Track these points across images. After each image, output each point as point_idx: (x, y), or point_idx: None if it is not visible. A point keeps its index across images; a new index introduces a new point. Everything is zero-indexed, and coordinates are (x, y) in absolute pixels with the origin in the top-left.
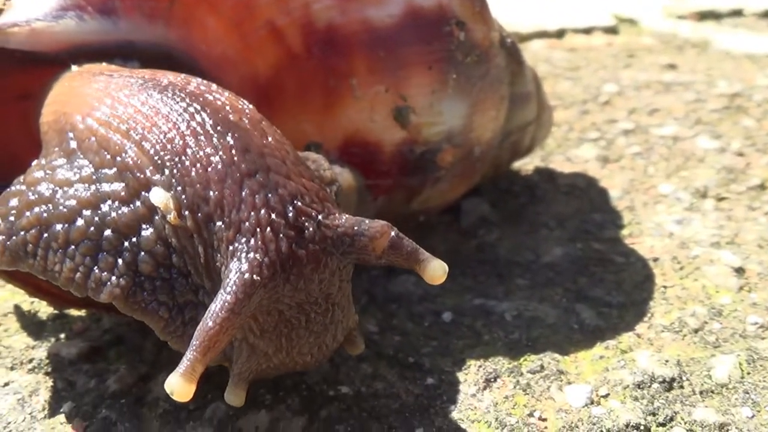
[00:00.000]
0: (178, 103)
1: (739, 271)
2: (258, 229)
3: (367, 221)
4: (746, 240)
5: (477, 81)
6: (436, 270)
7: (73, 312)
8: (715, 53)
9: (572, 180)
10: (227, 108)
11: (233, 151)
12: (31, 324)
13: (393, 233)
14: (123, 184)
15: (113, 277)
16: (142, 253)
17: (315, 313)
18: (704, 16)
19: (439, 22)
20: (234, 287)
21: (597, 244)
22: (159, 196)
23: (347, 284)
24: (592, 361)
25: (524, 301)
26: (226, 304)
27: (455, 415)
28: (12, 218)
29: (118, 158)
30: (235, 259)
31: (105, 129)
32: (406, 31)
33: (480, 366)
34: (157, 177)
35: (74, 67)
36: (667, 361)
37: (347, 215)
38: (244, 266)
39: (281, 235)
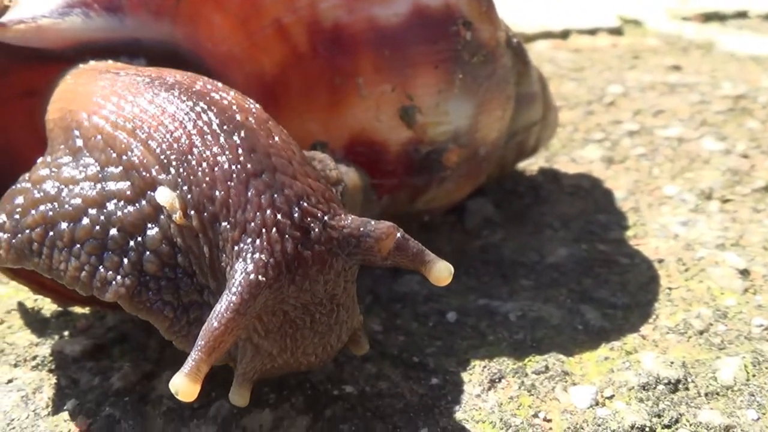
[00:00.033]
0: (184, 102)
1: (744, 273)
2: (264, 230)
3: (372, 222)
4: (751, 242)
5: (483, 81)
6: (441, 271)
7: (77, 309)
8: (720, 55)
9: (577, 181)
10: (234, 107)
11: (239, 151)
12: (34, 321)
13: (399, 234)
14: (129, 183)
15: (118, 277)
16: (148, 253)
17: (320, 314)
18: (709, 17)
19: (446, 22)
20: (239, 288)
21: (602, 245)
22: (165, 196)
23: (352, 285)
24: (597, 362)
25: (529, 301)
26: (232, 304)
27: (460, 415)
28: (17, 216)
29: (124, 157)
30: (241, 260)
31: (111, 127)
32: (412, 31)
33: (484, 366)
34: (163, 176)
35: (80, 65)
36: (672, 362)
37: (353, 216)
38: (250, 267)
39: (287, 236)
